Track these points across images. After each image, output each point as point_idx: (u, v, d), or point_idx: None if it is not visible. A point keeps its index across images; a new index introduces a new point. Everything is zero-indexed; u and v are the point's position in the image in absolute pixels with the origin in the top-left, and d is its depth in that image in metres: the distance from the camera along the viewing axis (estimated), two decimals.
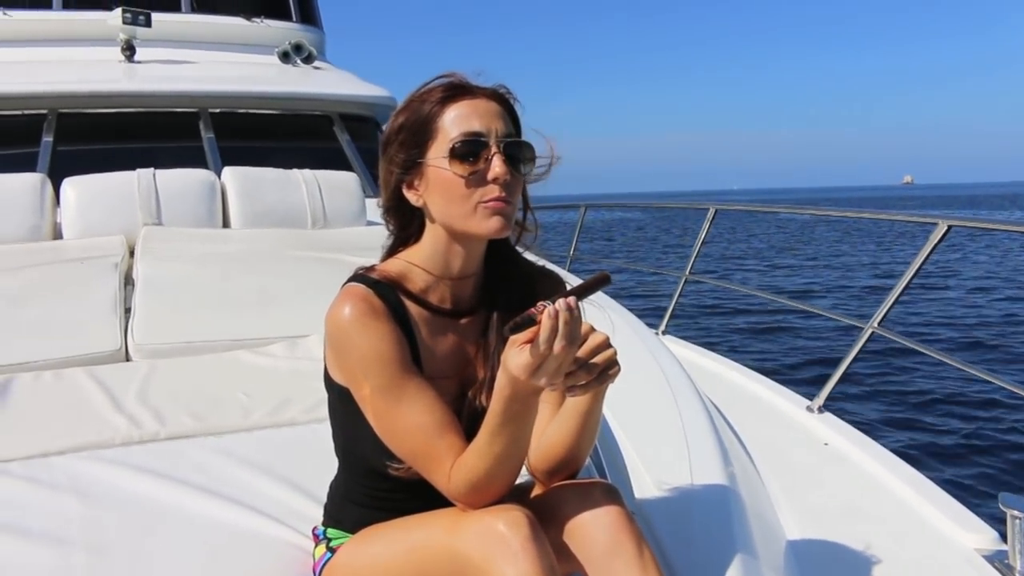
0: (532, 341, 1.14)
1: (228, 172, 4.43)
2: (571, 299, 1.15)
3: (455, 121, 1.31)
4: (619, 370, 1.23)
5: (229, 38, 6.28)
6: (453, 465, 1.28)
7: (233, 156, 4.91)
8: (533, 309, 1.14)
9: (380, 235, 1.54)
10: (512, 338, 1.16)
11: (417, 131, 1.34)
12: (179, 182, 4.20)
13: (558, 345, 1.12)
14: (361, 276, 1.38)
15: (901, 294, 3.02)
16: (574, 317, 1.14)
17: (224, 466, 1.92)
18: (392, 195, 1.41)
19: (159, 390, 2.32)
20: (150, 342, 2.69)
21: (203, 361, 2.60)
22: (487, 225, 1.32)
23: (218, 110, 5.44)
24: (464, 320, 1.45)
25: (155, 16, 5.55)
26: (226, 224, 4.29)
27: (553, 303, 1.14)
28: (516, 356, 1.15)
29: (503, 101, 1.37)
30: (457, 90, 1.34)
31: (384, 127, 1.43)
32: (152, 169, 4.18)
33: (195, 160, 4.91)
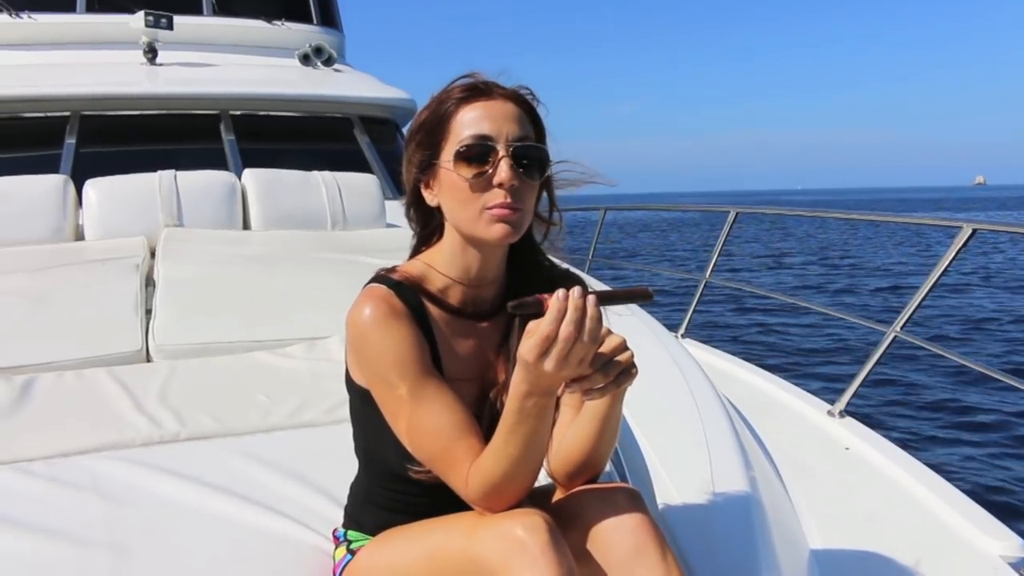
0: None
1: (248, 174, 4.46)
2: (587, 294, 1.13)
3: (467, 123, 1.30)
4: (636, 373, 1.22)
5: (250, 40, 6.32)
6: (471, 468, 1.27)
7: (253, 158, 4.94)
8: (543, 295, 1.13)
9: (400, 237, 1.53)
10: (528, 328, 1.14)
11: (432, 131, 1.34)
12: (200, 184, 4.23)
13: (564, 330, 1.10)
14: (382, 277, 1.38)
15: (924, 298, 2.99)
16: (588, 312, 1.12)
17: (244, 467, 1.92)
18: (412, 193, 1.41)
19: (179, 391, 2.33)
20: (171, 343, 2.71)
21: (223, 362, 2.62)
22: (491, 232, 1.30)
23: (239, 112, 5.47)
24: (486, 323, 1.44)
25: (177, 19, 5.59)
26: (246, 226, 4.32)
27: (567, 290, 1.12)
28: (524, 342, 1.13)
29: (522, 103, 1.35)
30: (474, 91, 1.33)
31: (406, 128, 1.43)
32: (173, 171, 4.21)
33: (216, 162, 4.94)
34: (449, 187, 1.32)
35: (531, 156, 1.31)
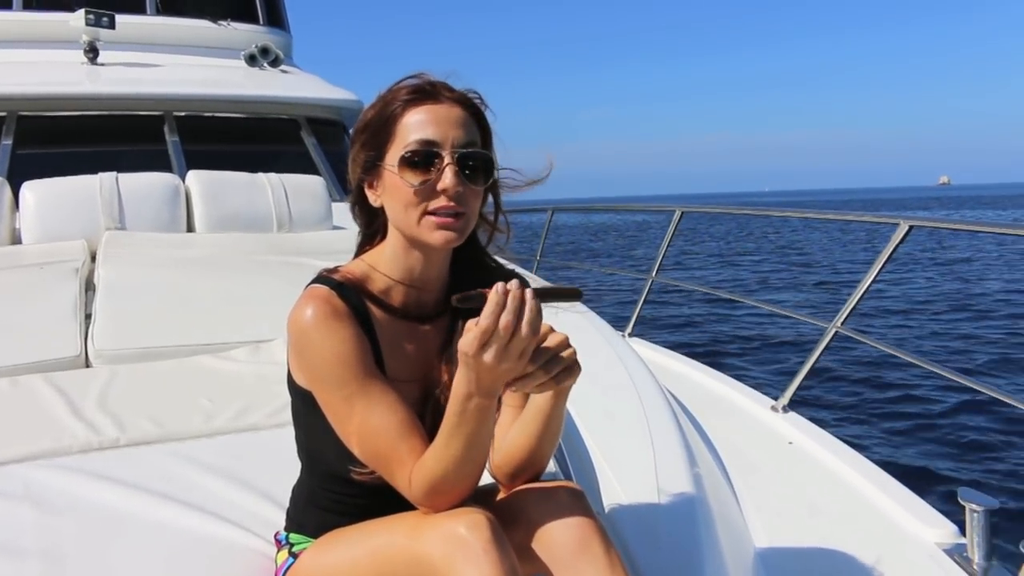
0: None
1: (193, 176, 4.39)
2: (524, 288, 1.14)
3: (412, 127, 1.30)
4: (579, 370, 1.23)
5: (195, 41, 6.22)
6: (414, 468, 1.27)
7: (198, 160, 4.86)
8: (482, 289, 1.13)
9: (347, 239, 1.53)
10: (467, 325, 1.15)
11: (378, 132, 1.33)
12: (142, 186, 4.16)
13: (504, 319, 1.11)
14: (324, 278, 1.37)
15: (864, 294, 3.05)
16: (527, 304, 1.13)
17: (186, 472, 1.89)
18: (356, 192, 1.40)
19: (119, 396, 2.29)
20: (111, 348, 2.66)
21: (165, 366, 2.57)
22: (433, 237, 1.30)
23: (183, 113, 5.38)
24: (428, 324, 1.44)
25: (119, 18, 5.48)
26: (191, 228, 4.26)
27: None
28: (465, 334, 1.14)
29: (469, 107, 1.34)
30: (421, 93, 1.31)
31: (353, 132, 1.41)
32: (115, 173, 4.13)
33: (159, 164, 4.86)
34: (393, 190, 1.31)
35: (476, 162, 1.31)
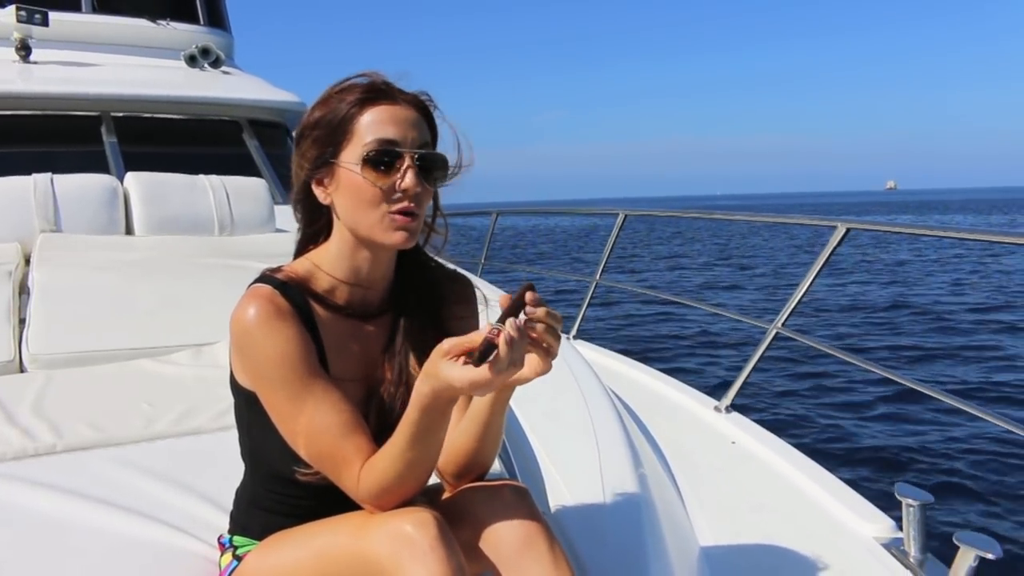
0: (465, 353, 1.13)
1: (131, 177, 4.30)
2: (519, 320, 1.14)
3: (371, 127, 1.29)
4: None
5: (133, 40, 6.10)
6: (362, 467, 1.26)
7: (138, 162, 4.76)
8: (489, 335, 1.12)
9: (289, 242, 1.51)
10: (443, 348, 1.14)
11: (332, 130, 1.31)
12: (79, 187, 4.06)
13: (510, 365, 1.11)
14: (267, 277, 1.36)
15: (804, 295, 3.11)
16: (522, 338, 1.13)
17: (126, 477, 1.86)
18: (301, 189, 1.39)
19: (56, 401, 2.23)
20: (46, 352, 2.59)
21: (104, 371, 2.52)
22: (391, 237, 1.31)
23: (121, 114, 5.28)
24: (372, 322, 1.43)
25: (53, 15, 5.36)
26: (129, 231, 4.17)
27: (503, 323, 1.12)
28: (458, 370, 1.12)
29: (423, 109, 1.35)
30: (377, 93, 1.31)
31: (296, 127, 1.39)
32: (50, 174, 4.03)
33: (96, 166, 4.74)
34: (349, 188, 1.31)
35: (433, 163, 1.33)
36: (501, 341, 1.11)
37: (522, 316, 1.15)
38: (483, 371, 1.11)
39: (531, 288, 1.18)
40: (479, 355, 1.12)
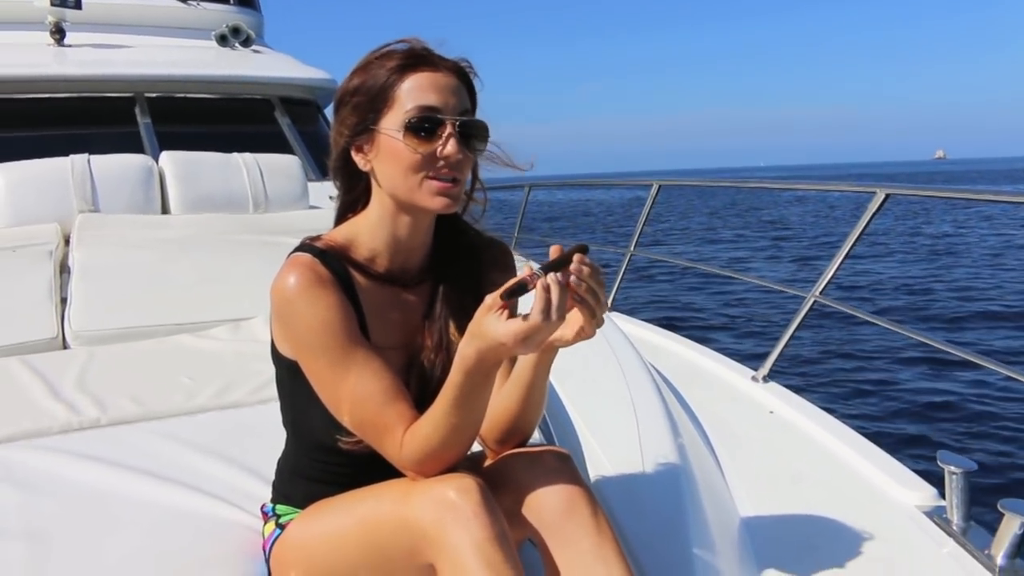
0: (506, 308, 1.13)
1: (166, 157, 4.34)
2: (562, 275, 1.14)
3: (412, 93, 1.29)
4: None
5: (164, 21, 6.13)
6: (405, 434, 1.26)
7: (171, 141, 4.81)
8: (526, 276, 1.12)
9: (323, 218, 1.52)
10: (487, 302, 1.14)
11: (373, 96, 1.31)
12: (115, 168, 4.11)
13: (554, 315, 1.11)
14: (307, 246, 1.36)
15: (842, 263, 3.06)
16: (564, 292, 1.13)
17: (168, 450, 1.88)
18: (340, 156, 1.39)
19: (99, 377, 2.27)
20: (88, 329, 2.63)
21: (144, 346, 2.56)
22: (433, 202, 1.31)
23: (155, 95, 5.32)
24: (411, 289, 1.43)
25: None
26: (165, 210, 4.21)
27: (544, 272, 1.12)
28: (500, 323, 1.12)
29: (463, 76, 1.35)
30: (418, 59, 1.31)
31: (328, 109, 1.39)
32: (86, 155, 4.08)
33: (132, 146, 4.80)
34: (391, 154, 1.30)
35: (474, 130, 1.32)
36: (538, 287, 1.11)
37: (569, 275, 1.14)
38: (525, 323, 1.11)
39: (584, 249, 1.17)
40: (508, 291, 1.12)
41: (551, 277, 1.12)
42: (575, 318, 1.19)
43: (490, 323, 1.13)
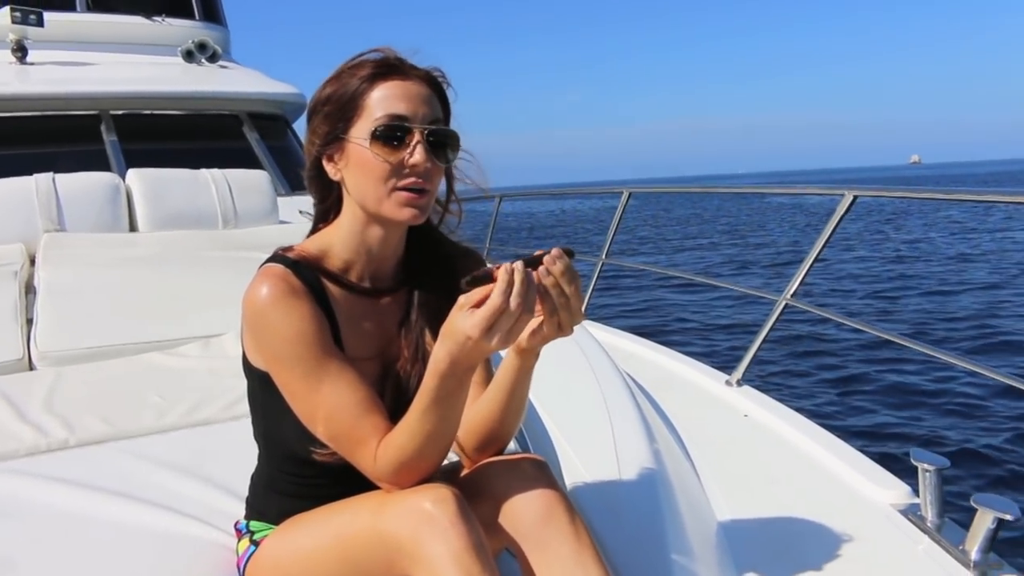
0: (481, 304, 1.12)
1: (133, 174, 4.30)
2: (527, 265, 1.14)
3: (382, 102, 1.29)
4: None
5: (129, 38, 6.08)
6: (379, 445, 1.25)
7: (138, 159, 4.76)
8: (490, 267, 1.13)
9: (293, 234, 1.51)
10: (459, 302, 1.14)
11: (343, 105, 1.31)
12: (81, 186, 4.05)
13: (514, 301, 1.10)
14: (279, 256, 1.35)
15: (812, 266, 3.09)
16: (531, 284, 1.13)
17: (139, 469, 1.86)
18: (312, 166, 1.38)
19: (67, 397, 2.24)
20: (54, 349, 2.60)
21: (113, 366, 2.53)
22: (401, 213, 1.31)
23: (120, 112, 5.26)
24: (386, 299, 1.43)
25: (48, 15, 5.33)
26: (133, 228, 4.17)
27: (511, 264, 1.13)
28: (467, 317, 1.12)
29: (435, 85, 1.34)
30: (389, 68, 1.31)
31: (309, 103, 1.39)
32: (51, 173, 4.02)
33: (98, 164, 4.73)
34: (359, 164, 1.30)
35: (443, 140, 1.32)
36: (500, 271, 1.11)
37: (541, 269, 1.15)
38: (486, 308, 1.10)
39: (568, 252, 1.18)
40: (471, 279, 1.13)
41: (515, 264, 1.12)
42: (550, 316, 1.19)
43: (457, 319, 1.13)
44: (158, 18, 6.21)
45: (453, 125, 1.38)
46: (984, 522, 1.84)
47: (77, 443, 2.00)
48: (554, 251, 1.17)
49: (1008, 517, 1.80)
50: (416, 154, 1.28)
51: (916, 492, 2.13)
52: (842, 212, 2.91)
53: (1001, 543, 1.86)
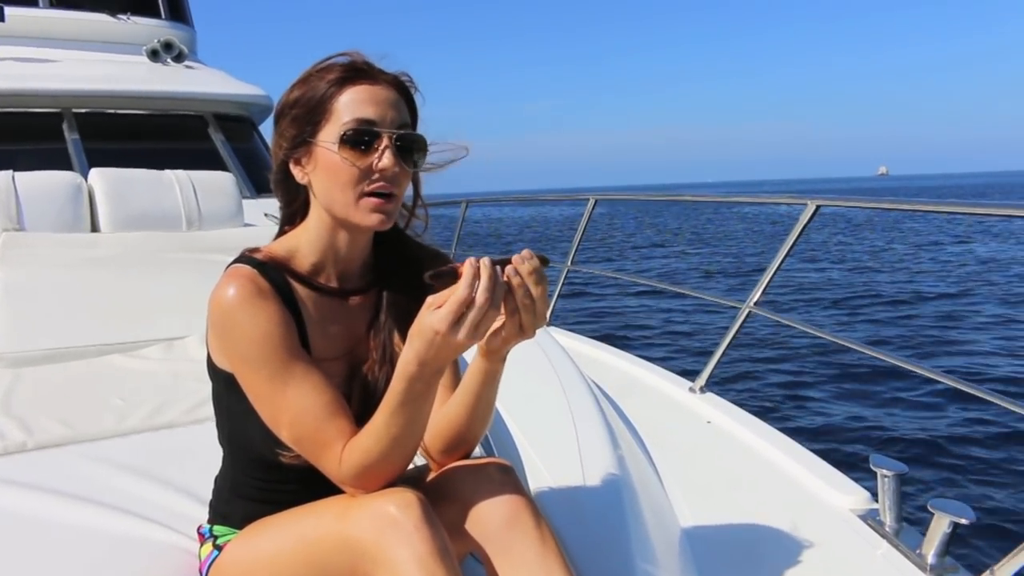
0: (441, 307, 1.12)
1: (96, 173, 4.24)
2: (495, 262, 1.15)
3: (350, 106, 1.28)
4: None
5: (93, 35, 6.00)
6: (344, 448, 1.25)
7: (101, 158, 4.69)
8: (455, 264, 1.13)
9: (258, 236, 1.50)
10: (427, 302, 1.14)
11: (311, 109, 1.30)
12: (42, 185, 3.99)
13: (480, 296, 1.11)
14: (246, 257, 1.35)
15: (775, 274, 3.13)
16: (497, 280, 1.13)
17: (100, 473, 1.83)
18: (279, 169, 1.38)
19: (25, 399, 2.20)
20: (13, 350, 2.56)
21: (74, 367, 2.49)
22: (367, 219, 1.30)
23: (83, 110, 5.19)
24: (354, 300, 1.42)
25: (8, 11, 5.26)
26: (95, 228, 4.11)
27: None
28: (434, 313, 1.12)
29: (403, 90, 1.34)
30: (357, 72, 1.30)
31: (276, 106, 1.38)
32: (11, 172, 3.96)
33: (59, 163, 4.67)
34: (327, 168, 1.30)
35: (411, 144, 1.32)
36: (466, 265, 1.12)
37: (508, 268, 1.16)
38: (451, 301, 1.11)
39: (542, 259, 1.20)
40: (435, 273, 1.13)
41: (482, 259, 1.13)
42: (514, 316, 1.20)
43: (424, 316, 1.14)
44: (123, 16, 6.13)
45: (421, 129, 1.38)
46: (941, 526, 1.88)
47: (35, 446, 1.97)
48: (524, 252, 1.18)
49: (964, 521, 1.84)
50: (384, 159, 1.28)
51: (875, 497, 2.17)
52: (805, 221, 2.95)
53: (957, 546, 1.90)
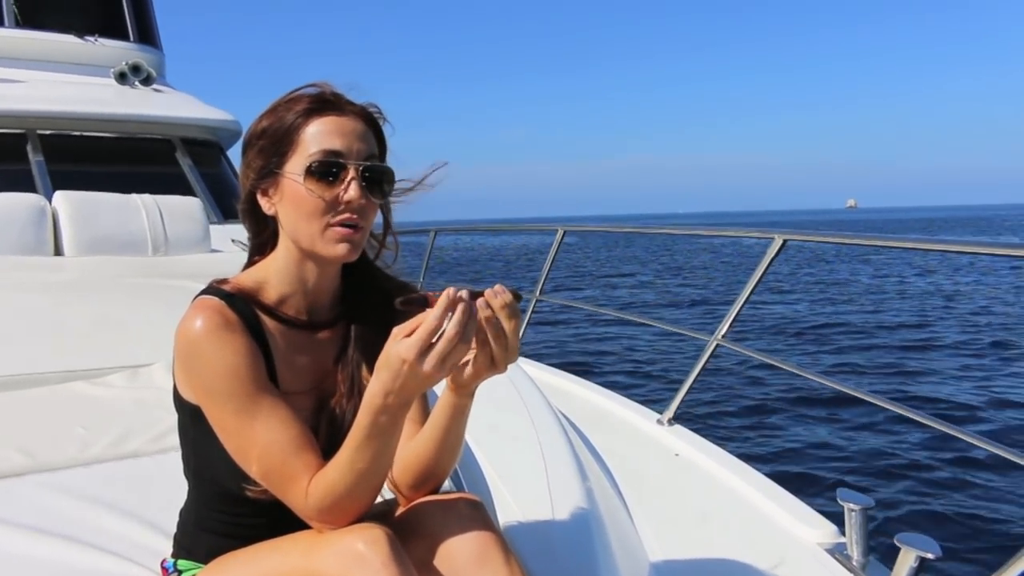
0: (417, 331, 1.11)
1: (60, 196, 4.19)
2: (473, 294, 1.14)
3: (316, 137, 1.28)
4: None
5: (60, 56, 5.94)
6: (310, 483, 1.23)
7: (66, 181, 4.64)
8: (426, 292, 1.13)
9: (226, 262, 1.48)
10: (393, 332, 1.13)
11: (278, 140, 1.30)
12: (3, 207, 3.94)
13: (451, 329, 1.10)
14: (214, 289, 1.33)
15: (743, 307, 3.15)
16: (472, 315, 1.12)
17: (60, 504, 1.79)
18: (247, 199, 1.37)
19: None
20: None
21: (34, 394, 2.43)
22: (333, 250, 1.30)
23: (48, 132, 5.14)
24: (323, 333, 1.41)
25: None
26: (58, 252, 4.05)
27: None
28: (400, 342, 1.11)
29: (371, 121, 1.34)
30: (324, 104, 1.30)
31: (244, 135, 1.37)
32: None
33: (23, 185, 4.61)
34: (293, 199, 1.29)
35: (378, 176, 1.32)
36: (443, 295, 1.11)
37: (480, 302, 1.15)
38: (420, 329, 1.09)
39: (515, 294, 1.19)
40: (406, 300, 1.13)
41: (461, 292, 1.12)
42: (485, 352, 1.19)
43: (391, 345, 1.12)
44: (91, 38, 6.10)
45: (390, 160, 1.38)
46: (907, 560, 1.89)
47: None
48: (497, 287, 1.18)
49: (930, 556, 1.85)
50: (350, 190, 1.27)
51: (843, 531, 2.18)
52: (772, 255, 2.98)
53: None
